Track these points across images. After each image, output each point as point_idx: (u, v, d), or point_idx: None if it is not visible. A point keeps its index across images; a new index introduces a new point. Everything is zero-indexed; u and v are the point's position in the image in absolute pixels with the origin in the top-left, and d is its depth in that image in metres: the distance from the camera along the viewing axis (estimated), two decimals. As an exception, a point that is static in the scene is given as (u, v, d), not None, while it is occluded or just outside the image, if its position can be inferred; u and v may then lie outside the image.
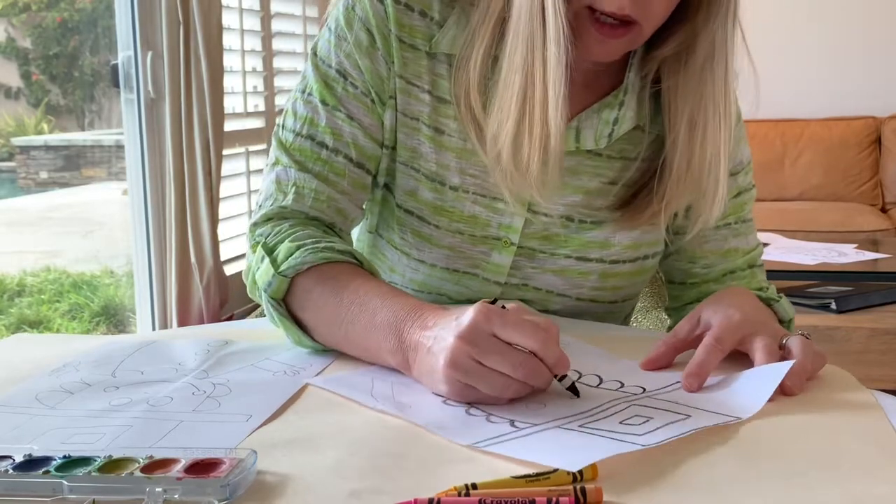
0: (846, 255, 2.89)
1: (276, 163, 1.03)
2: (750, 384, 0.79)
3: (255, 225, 1.01)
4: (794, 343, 0.84)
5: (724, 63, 0.97)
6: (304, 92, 1.04)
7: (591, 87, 1.03)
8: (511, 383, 0.75)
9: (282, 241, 0.95)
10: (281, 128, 1.04)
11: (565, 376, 0.78)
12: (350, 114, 1.01)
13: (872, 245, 3.11)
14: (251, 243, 1.00)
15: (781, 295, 1.07)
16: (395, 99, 1.02)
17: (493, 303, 0.79)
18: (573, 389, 0.78)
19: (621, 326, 1.11)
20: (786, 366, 0.78)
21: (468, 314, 0.76)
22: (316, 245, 0.94)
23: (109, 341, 0.96)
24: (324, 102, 1.02)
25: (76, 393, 0.79)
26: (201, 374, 0.85)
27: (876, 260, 2.88)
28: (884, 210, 4.18)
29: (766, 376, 0.78)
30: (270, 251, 0.95)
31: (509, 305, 0.79)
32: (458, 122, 1.01)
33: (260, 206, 1.03)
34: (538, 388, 0.77)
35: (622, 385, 0.82)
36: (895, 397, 0.80)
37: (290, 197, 1.00)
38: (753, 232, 1.13)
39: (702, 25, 0.96)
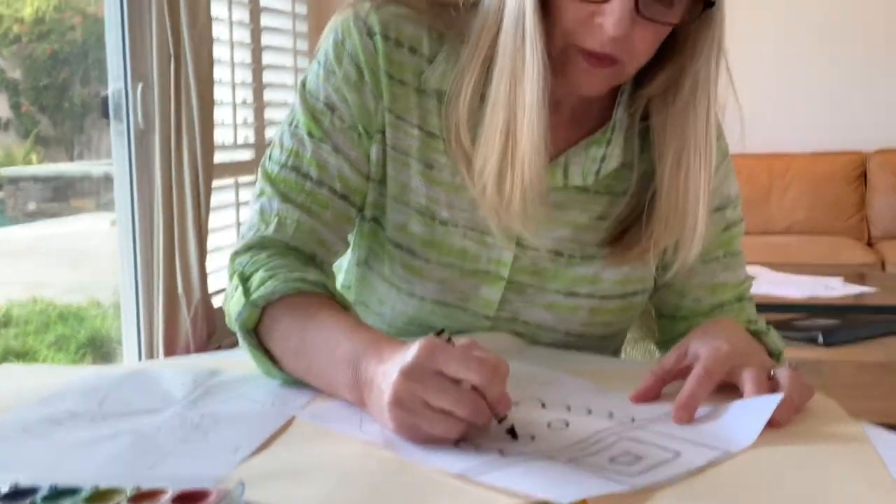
0: (834, 288, 2.91)
1: (261, 193, 1.04)
2: (740, 417, 0.79)
3: (235, 254, 1.02)
4: (783, 374, 0.84)
5: (706, 101, 0.97)
6: (291, 124, 1.04)
7: (579, 122, 1.04)
8: (455, 422, 0.73)
9: (257, 270, 0.96)
10: (268, 159, 1.05)
11: (504, 418, 0.75)
12: (336, 147, 1.02)
13: (859, 278, 3.13)
14: (229, 272, 1.00)
15: (770, 327, 1.07)
16: (384, 133, 1.03)
17: (439, 334, 0.77)
18: (512, 432, 0.75)
19: (610, 359, 1.12)
20: (775, 399, 0.78)
21: (412, 350, 0.75)
22: (289, 275, 0.94)
23: (96, 371, 0.95)
24: (310, 135, 1.02)
25: (63, 423, 0.79)
26: (189, 404, 0.85)
27: (863, 293, 2.89)
28: (870, 244, 4.21)
29: (755, 409, 0.78)
30: (245, 280, 0.95)
31: (459, 340, 0.78)
32: (447, 156, 1.02)
33: (243, 235, 1.03)
34: (482, 429, 0.75)
35: (612, 415, 0.82)
36: (883, 429, 0.80)
37: (272, 227, 1.01)
38: (742, 265, 1.14)
39: (688, 64, 0.97)
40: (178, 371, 0.95)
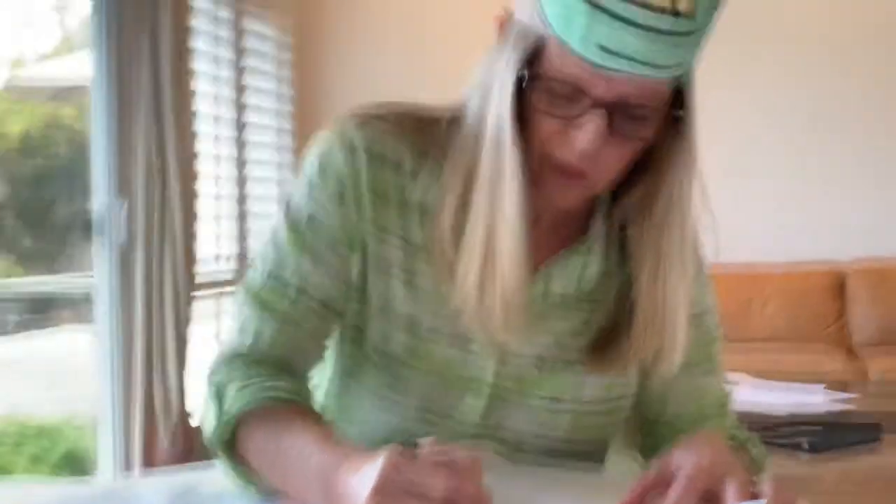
0: (815, 396, 2.90)
1: (241, 306, 1.04)
2: None
3: (212, 369, 1.02)
4: (766, 484, 0.84)
5: (681, 216, 0.99)
6: (273, 238, 1.05)
7: (559, 233, 1.06)
8: None
9: (230, 383, 0.96)
10: (251, 272, 1.06)
11: None
12: (317, 257, 1.03)
13: (841, 387, 3.13)
14: (206, 388, 1.00)
15: (755, 437, 1.07)
16: (367, 247, 1.04)
17: (403, 447, 0.77)
18: None
19: (592, 471, 1.11)
20: None
21: (376, 465, 0.75)
22: (262, 385, 0.94)
23: (71, 490, 0.94)
24: (292, 248, 1.03)
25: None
26: (165, 522, 0.84)
27: (845, 401, 2.88)
28: (851, 352, 4.22)
29: None
30: (219, 395, 0.96)
31: (424, 444, 0.78)
32: (431, 267, 1.03)
33: (220, 350, 1.03)
34: None
35: None
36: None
37: (250, 338, 1.01)
38: (723, 374, 1.14)
39: (662, 179, 0.98)
40: (155, 488, 0.94)
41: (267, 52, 4.03)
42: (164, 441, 2.96)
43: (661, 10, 0.86)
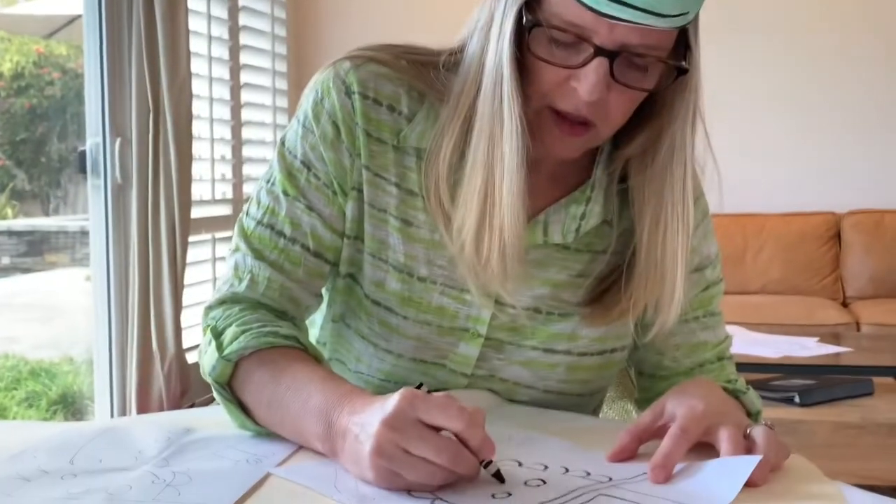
0: (808, 348, 2.92)
1: (235, 249, 1.04)
2: (717, 476, 0.78)
3: (208, 308, 1.03)
4: (759, 434, 0.84)
5: (683, 164, 0.98)
6: (268, 181, 1.04)
7: (558, 181, 1.05)
8: (436, 470, 0.75)
9: (229, 325, 0.97)
10: (245, 215, 1.05)
11: (490, 462, 0.77)
12: (310, 204, 1.02)
13: (834, 338, 3.14)
14: (203, 326, 1.01)
15: (749, 387, 1.07)
16: (362, 191, 1.03)
17: (419, 387, 0.79)
18: (498, 476, 0.77)
19: (586, 416, 1.11)
20: (753, 460, 0.78)
21: (392, 400, 0.77)
22: (261, 329, 0.95)
23: (67, 428, 0.94)
24: (285, 192, 1.02)
25: (33, 480, 0.78)
26: (161, 462, 0.84)
27: (838, 353, 2.90)
28: (844, 304, 4.24)
29: (732, 469, 0.78)
30: (218, 335, 0.96)
31: (436, 396, 0.79)
32: (426, 214, 1.02)
33: (217, 289, 1.04)
34: (465, 476, 0.76)
35: (589, 474, 0.81)
36: (860, 490, 0.80)
37: (245, 283, 1.01)
38: (722, 325, 1.14)
39: (664, 128, 0.98)
40: (151, 428, 0.94)
41: (262, 11, 3.97)
42: (159, 381, 2.96)
43: None
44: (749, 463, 0.78)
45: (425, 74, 1.02)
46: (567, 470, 0.82)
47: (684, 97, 0.96)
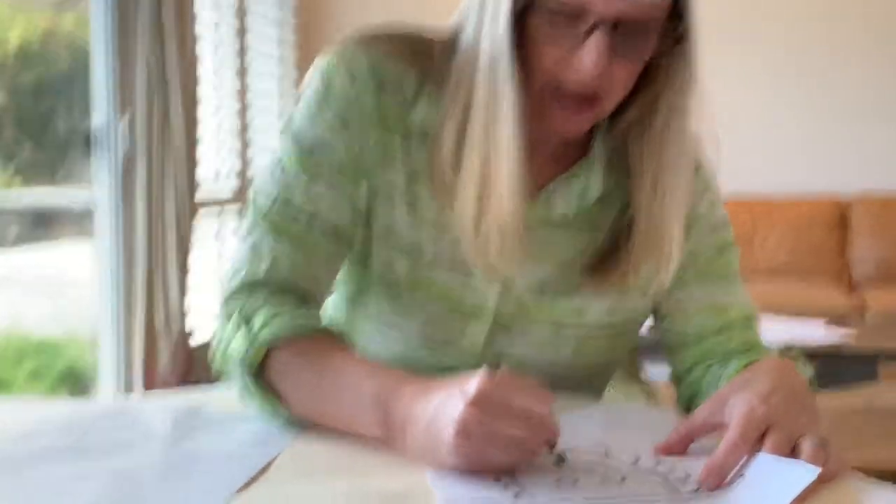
0: (815, 331, 2.92)
1: (249, 233, 1.03)
2: (770, 482, 0.76)
3: (229, 295, 1.00)
4: (807, 449, 0.80)
5: (681, 129, 0.99)
6: (281, 161, 1.03)
7: (559, 158, 1.05)
8: (523, 449, 0.77)
9: (257, 311, 0.95)
10: (258, 194, 1.04)
11: (554, 445, 0.79)
12: (325, 188, 1.01)
13: (840, 322, 3.14)
14: (225, 313, 0.98)
15: (798, 352, 1.05)
16: (370, 173, 1.03)
17: (494, 370, 0.80)
18: (561, 457, 0.79)
19: (595, 400, 1.11)
20: (810, 474, 0.75)
21: (474, 382, 0.77)
22: (294, 314, 0.94)
23: (76, 407, 0.94)
24: (300, 174, 1.01)
25: (44, 458, 0.78)
26: (170, 442, 0.84)
27: (843, 337, 2.90)
28: (851, 288, 4.23)
29: (787, 478, 0.76)
30: (246, 321, 0.94)
31: (513, 376, 0.80)
32: (431, 196, 1.02)
33: (234, 273, 1.01)
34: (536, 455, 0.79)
35: (637, 460, 0.82)
36: (868, 478, 0.80)
37: (265, 267, 1.00)
38: (743, 289, 1.13)
39: (661, 93, 0.98)
40: (159, 408, 0.94)
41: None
42: (164, 359, 2.97)
43: None
44: (806, 476, 0.75)
45: (428, 56, 1.02)
46: (637, 459, 0.83)
47: (682, 63, 0.96)
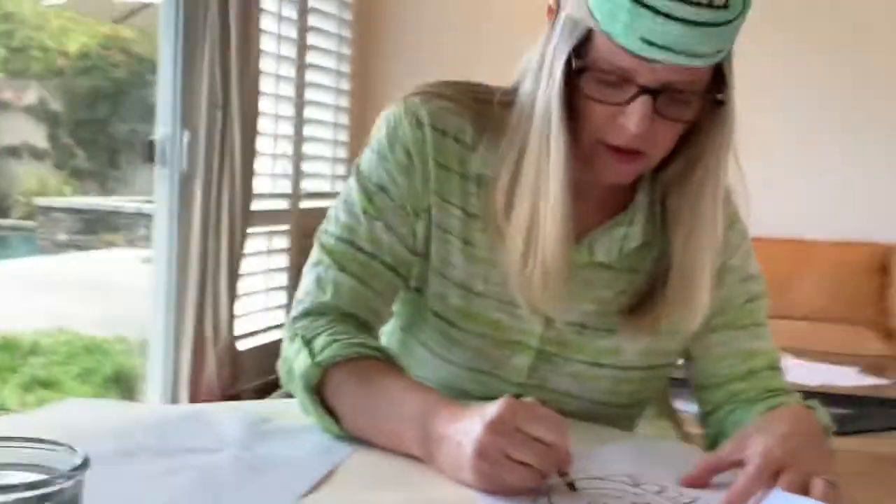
0: (849, 377, 2.94)
1: (317, 263, 1.12)
2: None
3: (294, 319, 1.10)
4: (817, 489, 0.87)
5: (715, 188, 1.07)
6: (346, 202, 1.13)
7: (605, 205, 1.13)
8: (533, 473, 0.83)
9: (319, 335, 1.04)
10: (324, 232, 1.13)
11: (567, 473, 0.85)
12: (388, 224, 1.11)
13: (876, 369, 3.15)
14: (289, 335, 1.08)
15: (816, 402, 1.11)
16: (430, 213, 1.12)
17: (516, 397, 0.87)
18: (572, 486, 0.85)
19: (648, 439, 1.17)
20: None
21: (494, 407, 0.85)
22: (350, 340, 1.02)
23: (156, 410, 1.02)
24: (364, 212, 1.11)
25: (135, 455, 0.86)
26: (244, 446, 0.92)
27: (878, 384, 2.92)
28: (889, 336, 4.23)
29: None
30: (308, 343, 1.03)
31: (526, 401, 0.88)
32: (485, 235, 1.11)
33: (300, 301, 1.11)
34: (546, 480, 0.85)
35: (663, 490, 0.89)
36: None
37: (329, 294, 1.09)
38: (770, 337, 1.20)
39: (700, 154, 1.06)
40: (233, 414, 1.02)
41: (329, 12, 4.06)
42: (211, 366, 3.06)
43: (698, 4, 0.92)
44: None
45: (485, 110, 1.11)
46: (662, 489, 0.89)
47: (720, 126, 1.04)
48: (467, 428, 0.85)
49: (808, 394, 2.59)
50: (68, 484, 0.57)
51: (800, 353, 3.28)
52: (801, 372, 2.92)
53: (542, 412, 0.86)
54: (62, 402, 1.05)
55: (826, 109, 4.50)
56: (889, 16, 4.44)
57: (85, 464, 0.58)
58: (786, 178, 4.45)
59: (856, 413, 2.76)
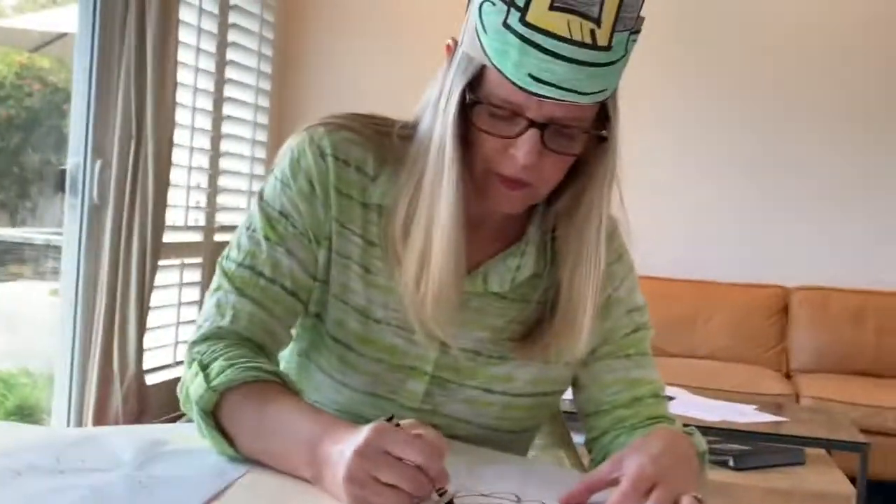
0: (746, 414, 3.03)
1: (217, 288, 1.15)
2: None
3: (193, 343, 1.12)
4: (685, 502, 0.92)
5: (598, 219, 1.12)
6: (248, 228, 1.16)
7: (499, 236, 1.18)
8: (401, 495, 0.85)
9: (216, 359, 1.06)
10: (225, 258, 1.16)
11: (445, 491, 0.88)
12: (288, 249, 1.14)
13: (773, 408, 3.26)
14: (188, 360, 1.10)
15: (693, 428, 1.17)
16: (331, 240, 1.15)
17: (389, 420, 0.90)
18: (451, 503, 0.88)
19: (535, 461, 1.21)
20: None
21: (363, 432, 0.88)
22: (246, 364, 1.04)
23: (49, 432, 1.03)
24: (266, 238, 1.14)
25: (24, 473, 0.87)
26: (137, 466, 0.93)
27: (774, 422, 3.02)
28: (788, 376, 4.37)
29: None
30: (204, 367, 1.05)
31: (404, 423, 0.90)
32: (384, 262, 1.15)
33: (199, 326, 1.13)
34: (424, 500, 0.87)
35: None
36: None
37: (228, 319, 1.12)
38: (654, 367, 1.26)
39: (586, 187, 1.12)
40: (127, 437, 1.03)
41: (251, 30, 4.08)
42: (117, 400, 3.02)
43: (582, 45, 0.99)
44: None
45: (387, 142, 1.16)
46: (519, 499, 0.93)
47: (604, 160, 1.10)
48: (341, 451, 0.88)
49: (707, 429, 2.68)
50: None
51: (702, 390, 3.38)
52: (700, 408, 3.01)
53: (410, 435, 0.88)
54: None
55: (731, 155, 4.66)
56: (800, 57, 4.62)
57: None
58: (693, 221, 4.60)
59: (752, 450, 2.85)
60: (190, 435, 1.05)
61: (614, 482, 0.97)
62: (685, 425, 1.19)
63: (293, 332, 1.22)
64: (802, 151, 4.62)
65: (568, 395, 1.28)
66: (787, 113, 4.63)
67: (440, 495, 0.88)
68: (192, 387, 1.05)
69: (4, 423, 1.12)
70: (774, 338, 4.48)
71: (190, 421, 1.08)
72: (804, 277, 4.57)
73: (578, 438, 1.46)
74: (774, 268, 4.62)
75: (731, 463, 2.76)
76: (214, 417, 1.03)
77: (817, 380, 4.15)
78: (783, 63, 4.62)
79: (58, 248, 3.15)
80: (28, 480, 0.85)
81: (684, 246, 4.57)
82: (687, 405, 3.00)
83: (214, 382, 1.02)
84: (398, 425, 0.90)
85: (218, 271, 1.16)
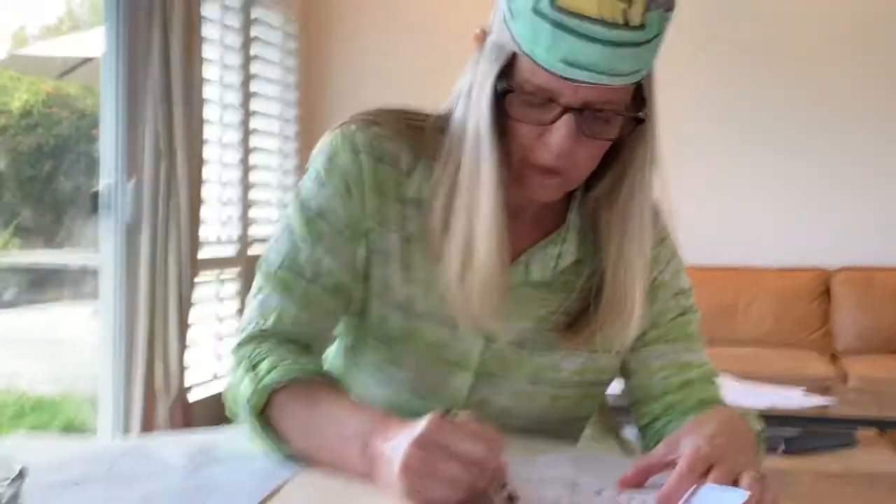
0: (795, 399, 2.99)
1: (259, 290, 1.14)
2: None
3: (238, 346, 1.11)
4: (745, 481, 0.90)
5: (641, 203, 1.10)
6: (287, 229, 1.15)
7: (539, 224, 1.17)
8: (460, 488, 0.84)
9: (263, 359, 1.06)
10: (265, 260, 1.15)
11: (506, 484, 0.86)
12: (328, 249, 1.13)
13: (821, 391, 3.22)
14: (234, 362, 1.10)
15: (748, 409, 1.15)
16: (369, 238, 1.14)
17: (445, 414, 0.89)
18: (510, 499, 0.86)
19: (588, 449, 1.20)
20: (741, 497, 0.86)
21: (421, 424, 0.87)
22: (293, 364, 1.04)
23: (99, 444, 1.03)
24: (305, 238, 1.13)
25: (79, 484, 0.87)
26: (188, 473, 0.93)
27: (823, 405, 2.97)
28: (833, 358, 4.32)
29: (724, 501, 0.87)
30: (251, 368, 1.05)
31: (459, 416, 0.89)
32: (423, 257, 1.14)
33: (243, 329, 1.13)
34: (483, 494, 0.86)
35: (602, 491, 0.92)
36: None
37: (272, 321, 1.11)
38: (703, 350, 1.23)
39: (626, 171, 1.10)
40: (176, 445, 1.03)
41: (274, 42, 4.10)
42: (162, 418, 3.03)
43: (615, 25, 0.97)
44: (737, 498, 0.86)
45: (420, 135, 1.15)
46: (601, 490, 0.92)
47: (643, 144, 1.09)
48: (397, 444, 0.88)
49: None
50: (8, 491, 0.58)
51: (746, 377, 3.34)
52: (748, 395, 2.97)
53: (470, 428, 0.87)
54: (5, 438, 1.05)
55: (769, 137, 4.61)
56: (843, 38, 4.56)
57: (22, 473, 0.59)
58: (729, 206, 4.56)
59: (802, 434, 2.81)
60: (237, 440, 1.05)
61: (671, 464, 0.95)
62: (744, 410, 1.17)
63: (336, 331, 1.22)
64: (839, 131, 4.57)
65: (612, 388, 1.26)
66: (824, 93, 4.58)
67: (501, 489, 0.86)
68: (241, 388, 1.04)
69: (55, 438, 1.12)
70: (818, 320, 4.43)
71: (237, 426, 1.08)
72: (846, 258, 4.52)
73: (627, 432, 1.44)
74: (813, 251, 4.57)
75: (781, 448, 2.73)
76: (265, 417, 1.02)
77: (863, 360, 4.10)
78: (825, 45, 4.57)
79: (95, 271, 3.17)
80: (85, 490, 0.85)
81: (722, 233, 4.53)
82: (733, 392, 2.95)
83: (264, 381, 1.02)
84: (453, 419, 0.88)
85: (258, 273, 1.15)
